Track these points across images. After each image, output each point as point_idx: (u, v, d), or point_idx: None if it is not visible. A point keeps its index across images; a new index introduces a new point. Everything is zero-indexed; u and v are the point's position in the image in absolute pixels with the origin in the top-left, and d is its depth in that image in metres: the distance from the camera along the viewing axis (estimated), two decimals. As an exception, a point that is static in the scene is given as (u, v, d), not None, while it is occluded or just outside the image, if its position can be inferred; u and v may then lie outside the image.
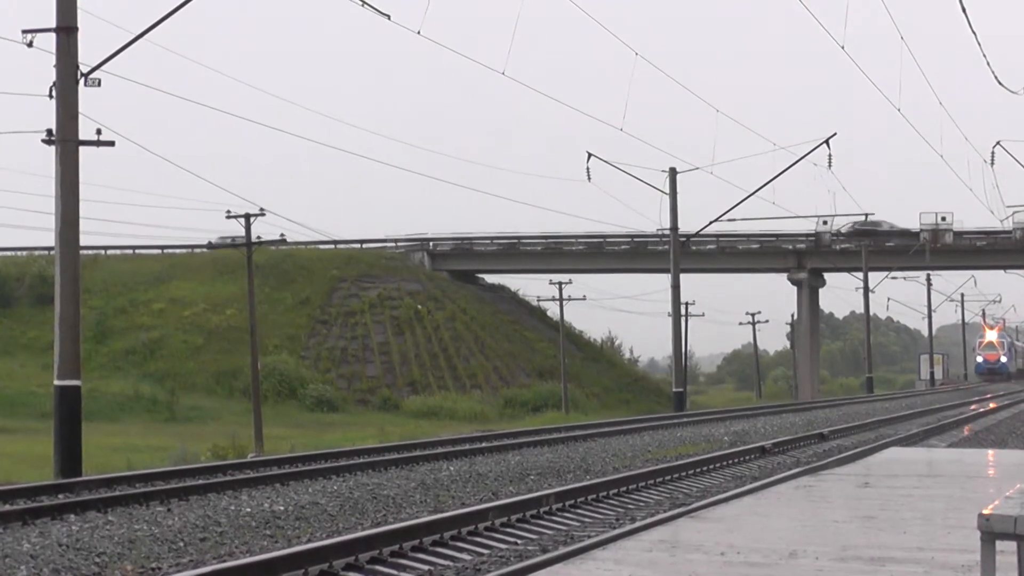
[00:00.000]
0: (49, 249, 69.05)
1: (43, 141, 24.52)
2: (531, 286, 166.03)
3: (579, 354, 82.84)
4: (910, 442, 29.70)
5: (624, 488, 19.46)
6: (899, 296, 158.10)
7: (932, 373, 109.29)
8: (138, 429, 52.80)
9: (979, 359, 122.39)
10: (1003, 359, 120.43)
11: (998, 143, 44.15)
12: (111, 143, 25.60)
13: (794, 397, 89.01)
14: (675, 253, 57.30)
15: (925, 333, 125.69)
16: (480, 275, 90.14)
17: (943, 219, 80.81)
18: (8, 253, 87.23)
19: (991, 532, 6.83)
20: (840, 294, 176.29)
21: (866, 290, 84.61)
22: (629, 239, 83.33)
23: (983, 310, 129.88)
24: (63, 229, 23.80)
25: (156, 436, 46.87)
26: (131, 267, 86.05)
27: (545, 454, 27.33)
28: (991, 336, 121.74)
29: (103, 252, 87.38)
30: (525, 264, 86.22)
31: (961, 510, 12.92)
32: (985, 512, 6.88)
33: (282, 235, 49.21)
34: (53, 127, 24.03)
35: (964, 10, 23.08)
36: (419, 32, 29.75)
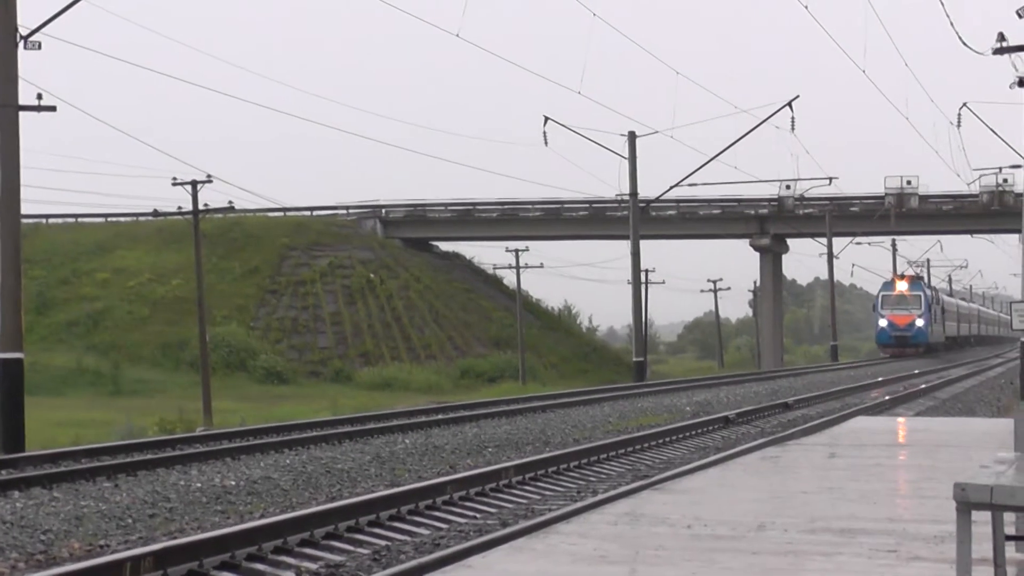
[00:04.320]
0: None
1: (-18, 106, 23.95)
2: (486, 254, 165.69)
3: (536, 323, 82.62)
4: (877, 411, 29.60)
5: (585, 460, 19.44)
6: (864, 262, 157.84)
7: None
8: (82, 403, 52.23)
9: (882, 323, 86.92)
10: (919, 323, 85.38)
11: (964, 105, 43.75)
12: (52, 108, 25.16)
13: (757, 366, 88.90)
14: (635, 219, 57.04)
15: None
16: (434, 243, 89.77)
17: (908, 183, 79.73)
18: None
19: (967, 502, 6.64)
20: (804, 260, 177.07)
21: (830, 256, 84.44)
22: (587, 205, 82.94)
23: (950, 275, 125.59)
24: (3, 197, 23.43)
25: (101, 410, 46.34)
26: (73, 236, 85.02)
27: (503, 426, 27.17)
28: (901, 287, 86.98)
29: (44, 221, 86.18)
30: (480, 231, 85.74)
31: (931, 479, 12.83)
32: (961, 482, 6.63)
33: (230, 202, 48.73)
34: (-8, 91, 23.51)
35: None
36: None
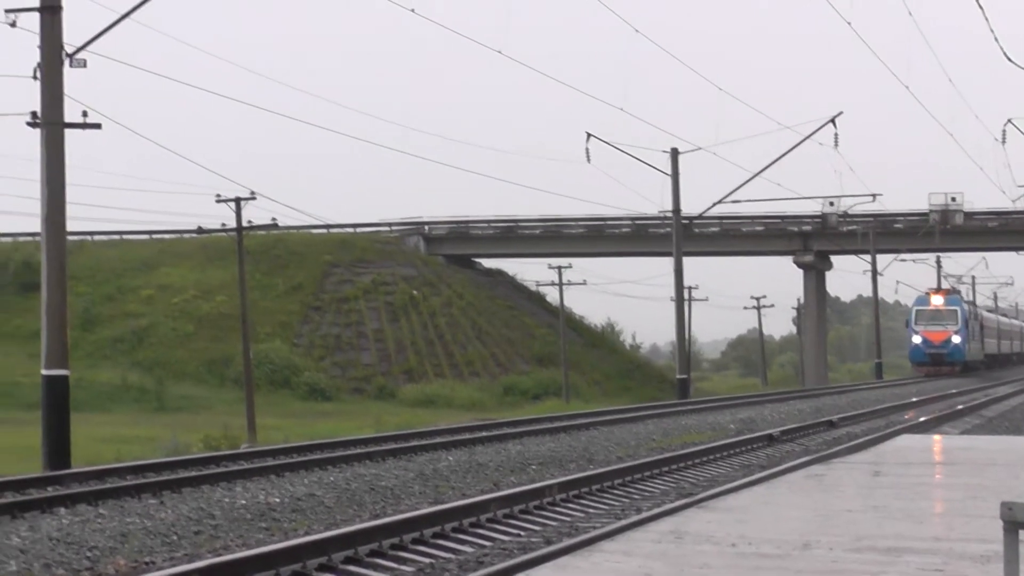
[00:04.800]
0: (35, 235, 68.49)
1: (28, 124, 24.07)
2: (529, 271, 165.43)
3: (579, 340, 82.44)
4: (922, 429, 29.34)
5: (629, 478, 19.29)
6: (908, 279, 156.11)
7: None
8: (127, 419, 52.44)
9: (916, 340, 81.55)
10: (955, 339, 79.81)
11: (1009, 121, 43.38)
12: (98, 125, 25.21)
13: (801, 383, 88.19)
14: (677, 236, 56.82)
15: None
16: (477, 259, 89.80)
17: (953, 199, 78.19)
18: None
19: (1014, 521, 6.66)
20: (847, 277, 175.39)
21: (874, 273, 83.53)
22: (630, 222, 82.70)
23: (995, 293, 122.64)
24: (49, 214, 23.39)
25: (146, 426, 46.50)
26: (118, 253, 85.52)
27: (546, 443, 27.02)
28: (936, 301, 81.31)
29: (89, 237, 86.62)
30: (523, 248, 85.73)
31: (978, 499, 12.73)
32: (1008, 501, 6.61)
33: (273, 219, 48.54)
34: (38, 109, 23.62)
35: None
36: (413, 10, 29.30)
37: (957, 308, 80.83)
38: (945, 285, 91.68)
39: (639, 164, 53.61)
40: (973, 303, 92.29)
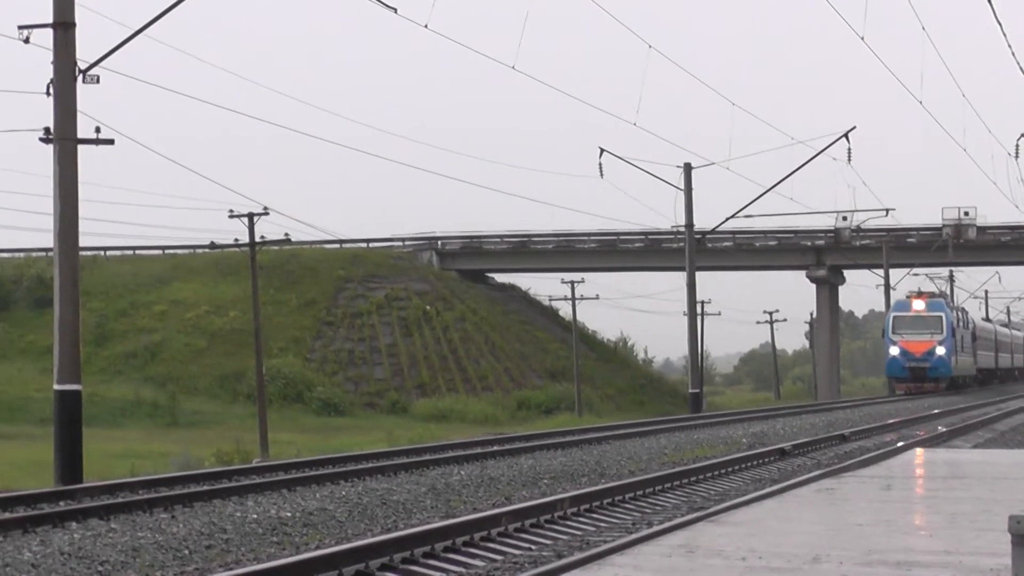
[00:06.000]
0: (48, 250, 68.73)
1: (41, 139, 24.17)
2: (542, 285, 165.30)
3: (592, 355, 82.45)
4: (934, 443, 29.32)
5: (640, 492, 19.27)
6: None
7: None
8: (139, 434, 52.53)
9: (893, 351, 70.29)
10: (939, 351, 69.02)
11: (1023, 135, 43.33)
12: (111, 141, 25.24)
13: (814, 398, 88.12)
14: (690, 251, 56.88)
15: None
16: (490, 274, 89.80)
17: (966, 213, 77.77)
18: (5, 255, 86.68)
19: (1023, 535, 6.57)
20: (860, 292, 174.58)
21: (887, 287, 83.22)
22: (643, 237, 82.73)
23: (1008, 307, 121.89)
24: (62, 230, 23.45)
25: (158, 441, 46.57)
26: (131, 268, 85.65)
27: (559, 457, 27.03)
28: (918, 306, 70.12)
29: (103, 253, 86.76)
30: (536, 263, 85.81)
31: (989, 512, 12.77)
32: (1017, 514, 6.63)
33: (286, 235, 48.59)
34: (51, 125, 23.71)
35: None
36: (426, 26, 29.31)
37: (942, 314, 69.87)
38: (930, 288, 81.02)
39: (652, 179, 53.75)
40: (962, 309, 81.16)
